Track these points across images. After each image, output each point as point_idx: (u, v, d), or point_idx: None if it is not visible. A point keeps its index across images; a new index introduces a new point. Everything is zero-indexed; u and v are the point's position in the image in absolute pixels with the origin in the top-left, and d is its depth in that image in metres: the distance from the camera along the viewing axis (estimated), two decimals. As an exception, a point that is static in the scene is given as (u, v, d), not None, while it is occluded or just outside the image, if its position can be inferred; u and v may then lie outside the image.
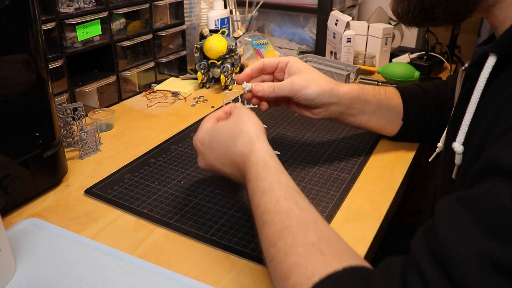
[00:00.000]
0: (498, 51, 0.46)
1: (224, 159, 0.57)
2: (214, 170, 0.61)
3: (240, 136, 0.55)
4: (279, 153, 0.81)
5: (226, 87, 1.13)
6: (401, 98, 0.78)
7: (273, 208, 0.47)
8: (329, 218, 0.63)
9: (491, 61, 0.46)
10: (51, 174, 0.69)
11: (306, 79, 0.69)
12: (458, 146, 0.50)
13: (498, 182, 0.35)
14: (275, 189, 0.49)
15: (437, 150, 0.64)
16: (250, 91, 0.69)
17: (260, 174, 0.51)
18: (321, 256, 0.41)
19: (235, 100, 1.01)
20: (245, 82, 0.70)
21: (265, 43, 1.29)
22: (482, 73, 0.47)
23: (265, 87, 0.68)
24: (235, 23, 1.36)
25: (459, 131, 0.50)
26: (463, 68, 0.55)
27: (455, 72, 1.09)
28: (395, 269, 0.37)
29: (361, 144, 0.84)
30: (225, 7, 1.28)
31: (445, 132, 0.61)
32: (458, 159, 0.50)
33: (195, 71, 1.13)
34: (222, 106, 1.00)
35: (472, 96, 0.48)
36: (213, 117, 0.63)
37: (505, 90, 0.44)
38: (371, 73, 1.25)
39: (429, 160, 0.67)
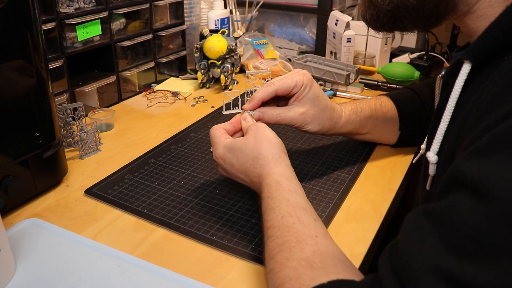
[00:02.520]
0: (471, 57, 0.46)
1: (244, 176, 0.59)
2: (237, 181, 0.62)
3: (259, 159, 0.57)
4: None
5: (226, 87, 1.13)
6: (396, 109, 0.77)
7: (277, 223, 0.49)
8: (329, 218, 0.63)
9: (465, 68, 0.46)
10: (51, 174, 0.69)
11: (312, 113, 0.67)
12: (432, 156, 0.50)
13: (462, 195, 0.35)
14: (283, 207, 0.51)
15: (420, 152, 0.63)
16: (252, 116, 0.66)
17: (272, 194, 0.53)
18: (310, 270, 0.43)
19: (235, 100, 1.01)
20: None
21: (265, 43, 1.29)
22: (457, 80, 0.47)
23: (266, 117, 0.66)
24: (235, 23, 1.36)
25: (434, 141, 0.50)
26: (439, 76, 0.55)
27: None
28: (365, 285, 0.39)
29: (361, 144, 0.84)
30: (225, 7, 1.28)
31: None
32: (432, 169, 0.50)
33: (195, 71, 1.13)
34: (222, 106, 1.00)
35: (447, 105, 0.48)
36: (221, 127, 0.64)
37: (472, 97, 0.44)
38: (371, 73, 1.25)
39: (413, 161, 0.66)
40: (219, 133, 0.62)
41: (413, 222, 0.38)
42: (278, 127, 0.91)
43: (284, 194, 0.52)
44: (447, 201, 0.36)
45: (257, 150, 0.57)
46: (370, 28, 0.58)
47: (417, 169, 0.82)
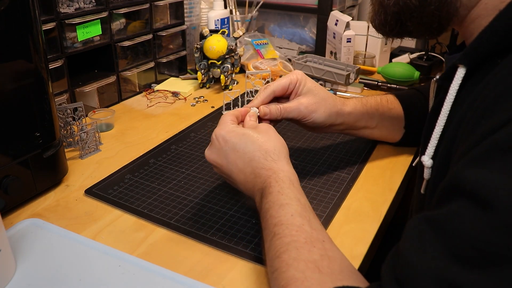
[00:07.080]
0: (466, 62, 0.46)
1: (245, 166, 0.57)
2: (221, 169, 0.60)
3: (272, 153, 0.57)
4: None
5: (226, 87, 1.13)
6: (401, 106, 0.78)
7: (286, 221, 0.48)
8: (329, 218, 0.63)
9: (460, 72, 0.47)
10: (51, 174, 0.69)
11: (314, 101, 0.68)
12: (427, 160, 0.50)
13: (462, 203, 0.35)
14: (293, 204, 0.50)
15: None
16: (258, 111, 0.67)
17: (284, 190, 0.52)
18: (318, 274, 0.42)
19: (235, 100, 1.01)
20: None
21: (265, 43, 1.29)
22: (452, 85, 0.47)
23: (273, 111, 0.67)
24: (235, 23, 1.36)
25: (429, 145, 0.49)
26: (434, 79, 0.55)
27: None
28: None
29: (361, 144, 0.84)
30: (225, 7, 1.28)
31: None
32: (426, 173, 0.50)
33: (195, 71, 1.13)
34: (222, 106, 1.00)
35: (442, 109, 0.48)
36: (233, 114, 0.64)
37: (466, 100, 0.44)
38: (371, 73, 1.25)
39: (413, 164, 0.67)
40: (229, 118, 0.62)
41: (414, 230, 0.38)
42: (279, 127, 0.91)
43: (296, 193, 0.52)
44: (448, 209, 0.36)
45: (269, 144, 0.58)
46: (380, 34, 0.59)
47: (416, 170, 0.82)
